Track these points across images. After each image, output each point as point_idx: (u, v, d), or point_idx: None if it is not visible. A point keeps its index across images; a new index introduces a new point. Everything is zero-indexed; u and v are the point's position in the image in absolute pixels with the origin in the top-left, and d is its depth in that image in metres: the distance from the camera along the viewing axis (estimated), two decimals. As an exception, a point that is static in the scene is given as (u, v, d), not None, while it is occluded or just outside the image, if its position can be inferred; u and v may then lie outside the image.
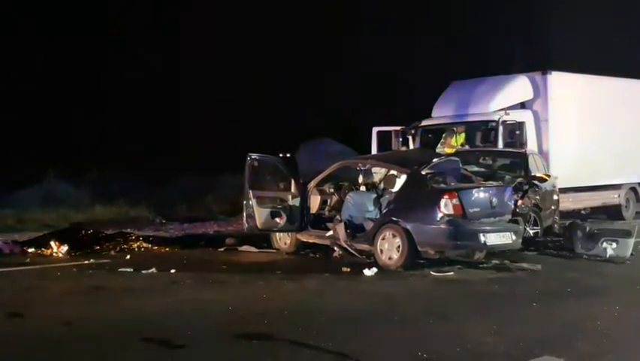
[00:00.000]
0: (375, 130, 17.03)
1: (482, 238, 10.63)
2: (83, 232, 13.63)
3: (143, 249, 13.16)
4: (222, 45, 30.33)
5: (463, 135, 15.87)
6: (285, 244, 12.64)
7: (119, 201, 19.41)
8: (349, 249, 11.55)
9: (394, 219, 10.95)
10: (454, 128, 16.09)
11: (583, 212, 17.54)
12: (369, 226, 11.44)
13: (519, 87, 16.47)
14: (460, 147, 15.44)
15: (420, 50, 29.74)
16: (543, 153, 15.58)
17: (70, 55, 28.19)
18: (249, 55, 31.13)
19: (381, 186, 12.29)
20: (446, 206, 10.56)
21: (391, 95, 28.81)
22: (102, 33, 29.00)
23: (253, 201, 11.89)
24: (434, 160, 11.77)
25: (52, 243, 12.61)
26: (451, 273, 10.49)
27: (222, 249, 13.25)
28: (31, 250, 12.63)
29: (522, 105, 16.41)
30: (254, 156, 12.11)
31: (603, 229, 12.39)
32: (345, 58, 31.36)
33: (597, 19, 27.34)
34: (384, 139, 16.90)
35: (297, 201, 12.10)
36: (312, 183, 12.22)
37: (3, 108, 25.26)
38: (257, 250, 12.91)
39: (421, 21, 30.38)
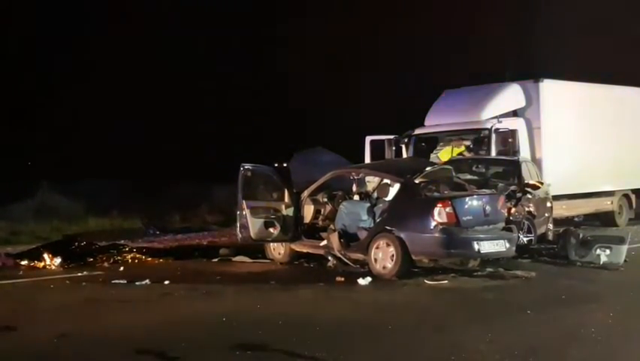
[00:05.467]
0: (368, 139, 17.05)
1: (476, 246, 10.64)
2: (77, 244, 13.65)
3: (136, 260, 13.14)
4: (217, 53, 30.31)
5: (462, 148, 15.88)
6: (279, 254, 12.63)
7: (113, 213, 19.42)
8: (343, 258, 11.55)
9: (388, 228, 10.94)
10: (452, 139, 16.14)
11: (576, 219, 17.60)
12: (363, 235, 11.43)
13: (511, 95, 16.54)
14: (459, 155, 15.47)
15: (409, 58, 29.76)
16: (536, 161, 15.63)
17: (63, 62, 28.13)
18: (244, 63, 31.13)
19: (375, 195, 12.30)
20: (440, 214, 10.56)
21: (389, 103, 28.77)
22: (96, 36, 28.90)
23: (247, 212, 11.87)
24: (427, 169, 11.80)
25: (45, 255, 12.58)
26: (445, 281, 10.50)
27: (216, 259, 13.25)
28: (24, 262, 12.59)
29: (514, 113, 16.47)
30: (247, 166, 12.10)
31: (597, 236, 12.44)
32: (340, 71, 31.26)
33: (590, 26, 27.45)
34: (377, 148, 16.93)
35: (290, 211, 12.09)
36: (306, 193, 12.20)
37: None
38: (251, 261, 12.90)
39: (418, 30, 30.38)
